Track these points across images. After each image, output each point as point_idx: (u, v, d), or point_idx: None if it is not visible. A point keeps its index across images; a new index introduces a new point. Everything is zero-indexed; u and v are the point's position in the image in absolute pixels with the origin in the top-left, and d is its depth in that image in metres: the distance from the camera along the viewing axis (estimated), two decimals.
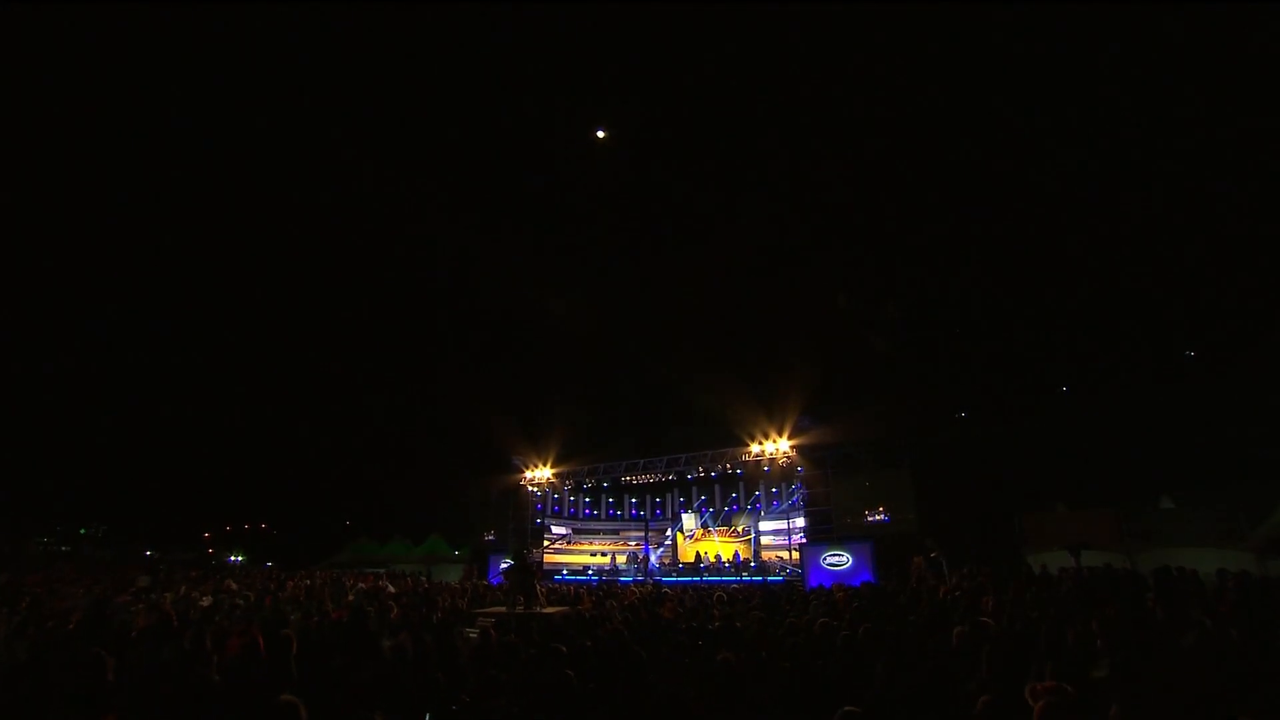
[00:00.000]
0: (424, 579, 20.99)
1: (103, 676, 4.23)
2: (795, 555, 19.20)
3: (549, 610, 9.65)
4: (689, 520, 23.88)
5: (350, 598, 10.97)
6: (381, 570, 24.16)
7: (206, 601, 11.19)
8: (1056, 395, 18.34)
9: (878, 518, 18.24)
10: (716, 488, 24.06)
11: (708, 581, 19.00)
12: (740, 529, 23.23)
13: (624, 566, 23.03)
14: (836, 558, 17.18)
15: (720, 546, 22.56)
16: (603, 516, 25.78)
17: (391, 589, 13.25)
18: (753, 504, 23.13)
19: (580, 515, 25.62)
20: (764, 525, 22.71)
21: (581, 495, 25.68)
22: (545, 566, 23.07)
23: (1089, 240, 17.94)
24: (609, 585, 16.59)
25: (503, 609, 9.85)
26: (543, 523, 24.03)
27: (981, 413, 18.57)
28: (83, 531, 34.85)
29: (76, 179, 21.42)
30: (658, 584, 17.66)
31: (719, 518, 23.71)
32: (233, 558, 34.15)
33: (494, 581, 17.55)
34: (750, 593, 11.91)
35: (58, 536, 33.25)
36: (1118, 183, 17.02)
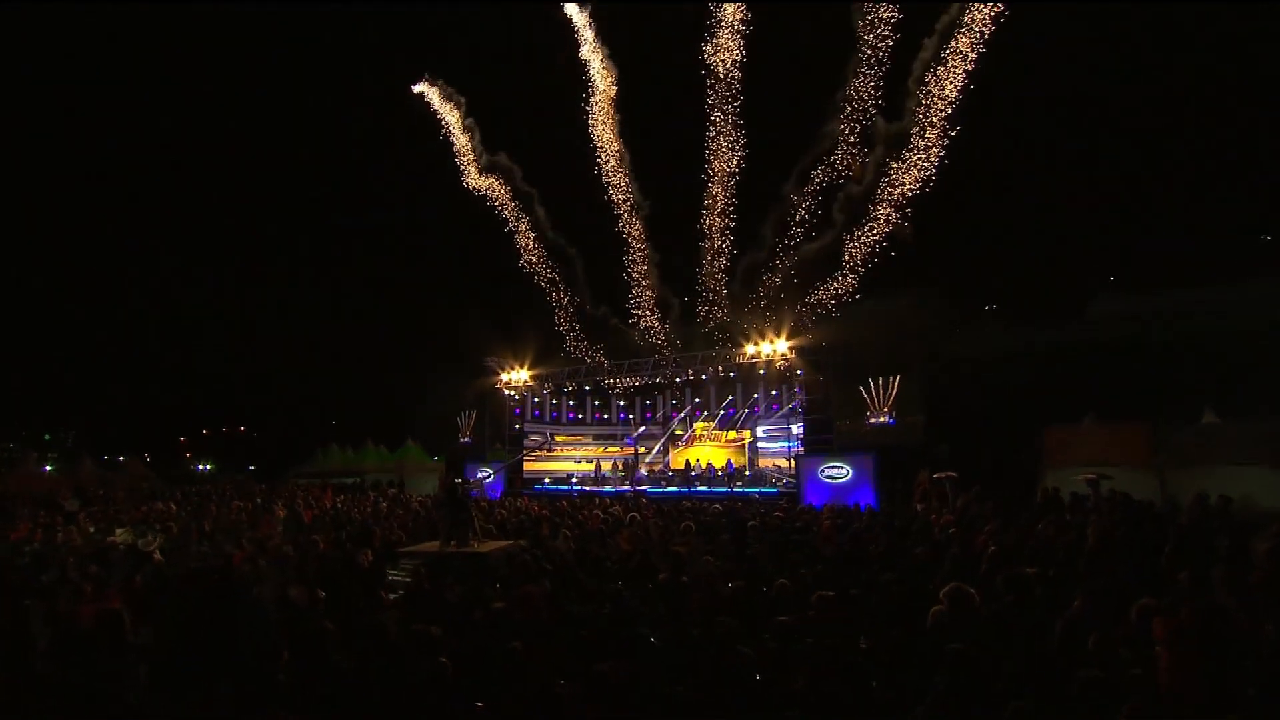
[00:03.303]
0: (392, 490, 21.27)
1: None
2: (793, 464, 18.96)
3: (486, 548, 9.25)
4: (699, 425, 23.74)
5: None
6: (354, 480, 24.61)
7: (123, 537, 10.95)
8: (1101, 286, 16.91)
9: (881, 420, 17.68)
10: (711, 390, 23.59)
11: (696, 493, 18.94)
12: (734, 435, 23.02)
13: (609, 474, 23.12)
14: (836, 470, 16.82)
15: (712, 454, 22.44)
16: (588, 420, 25.64)
17: (281, 513, 12.89)
18: (750, 408, 22.72)
19: (563, 420, 25.49)
20: (761, 431, 22.43)
21: (564, 399, 25.38)
22: (526, 475, 23.28)
23: (1143, 104, 15.85)
24: (584, 500, 16.48)
25: (435, 544, 9.49)
26: (521, 428, 23.91)
27: (1010, 309, 17.31)
28: (47, 438, 35.57)
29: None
30: (638, 495, 17.59)
31: (716, 422, 23.51)
32: (200, 466, 35.05)
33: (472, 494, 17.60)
34: (721, 520, 11.51)
35: (21, 442, 34.07)
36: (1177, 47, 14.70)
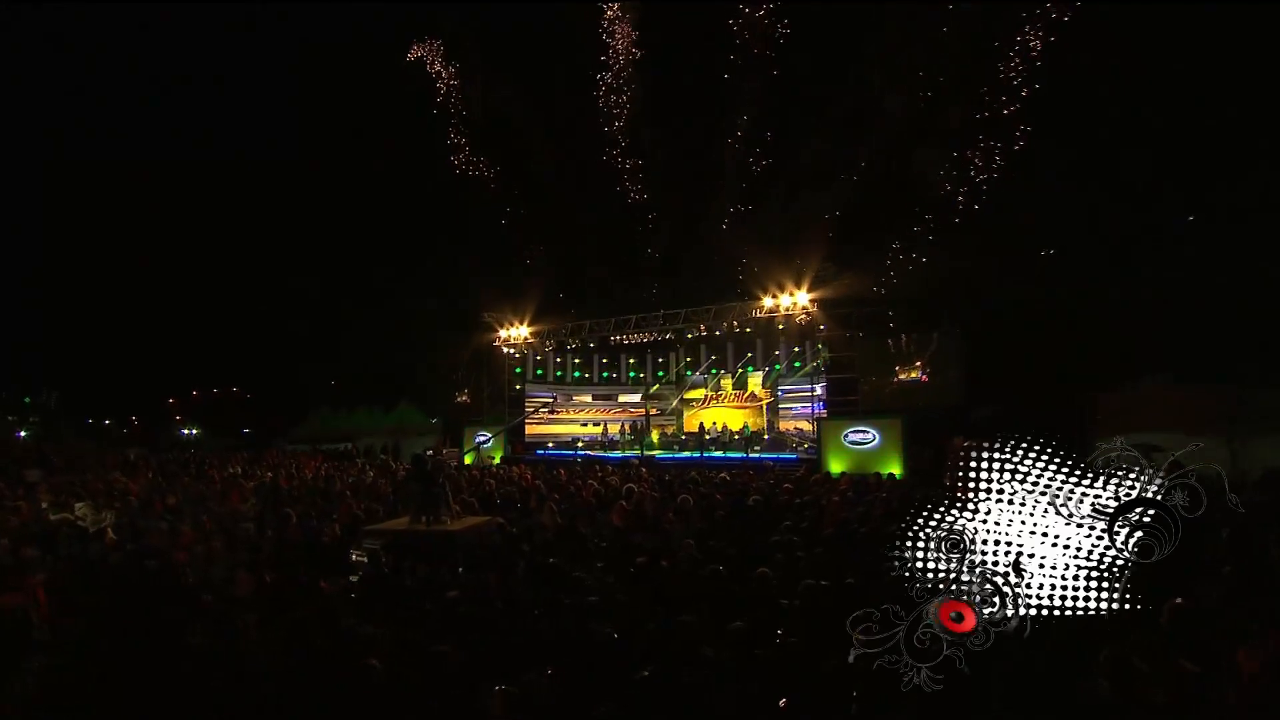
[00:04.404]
0: (383, 456, 21.42)
1: None
2: (815, 427, 18.60)
3: (459, 525, 9.12)
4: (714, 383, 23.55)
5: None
6: (345, 446, 24.87)
7: (82, 511, 10.96)
8: (1176, 226, 15.82)
9: (912, 376, 17.11)
10: (729, 346, 23.10)
11: (709, 459, 18.77)
12: (757, 394, 22.63)
13: (617, 438, 22.96)
14: (861, 435, 16.41)
15: (728, 416, 22.14)
16: (594, 380, 25.40)
17: (251, 484, 12.93)
18: (769, 366, 22.27)
19: (568, 379, 25.28)
20: (781, 391, 22.01)
21: (569, 356, 25.13)
22: (528, 439, 23.28)
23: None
24: (584, 468, 16.37)
25: (403, 521, 9.38)
26: (522, 389, 23.78)
27: (1064, 254, 16.39)
28: (27, 401, 36.16)
29: None
30: (641, 463, 17.41)
31: (734, 381, 23.17)
32: (186, 430, 35.40)
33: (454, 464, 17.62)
34: (724, 493, 11.25)
35: (2, 405, 34.78)
36: None
